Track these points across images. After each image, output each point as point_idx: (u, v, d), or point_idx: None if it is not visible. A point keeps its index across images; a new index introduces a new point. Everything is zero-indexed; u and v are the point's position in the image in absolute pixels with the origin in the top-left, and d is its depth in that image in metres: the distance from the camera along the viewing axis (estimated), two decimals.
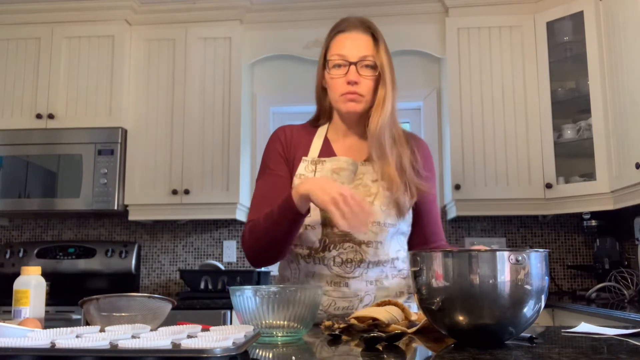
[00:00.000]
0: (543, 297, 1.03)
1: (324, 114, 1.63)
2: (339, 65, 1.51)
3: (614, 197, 2.92)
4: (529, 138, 3.26)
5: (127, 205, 3.41)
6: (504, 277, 0.98)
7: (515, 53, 3.34)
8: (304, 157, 1.56)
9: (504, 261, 0.99)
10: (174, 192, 3.36)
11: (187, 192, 3.36)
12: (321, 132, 1.62)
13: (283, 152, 1.58)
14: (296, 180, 1.52)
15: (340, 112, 1.56)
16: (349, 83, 1.49)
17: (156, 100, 3.49)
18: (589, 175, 3.13)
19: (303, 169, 1.54)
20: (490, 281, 0.98)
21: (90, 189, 3.33)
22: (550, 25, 3.29)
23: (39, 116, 3.44)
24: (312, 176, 1.51)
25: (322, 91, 1.60)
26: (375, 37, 1.56)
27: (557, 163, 3.20)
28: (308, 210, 1.39)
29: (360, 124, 1.57)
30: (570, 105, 3.30)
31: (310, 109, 4.39)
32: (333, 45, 1.55)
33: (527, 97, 3.29)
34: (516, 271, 0.98)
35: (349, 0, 3.50)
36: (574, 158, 3.32)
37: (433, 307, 1.05)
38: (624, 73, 2.72)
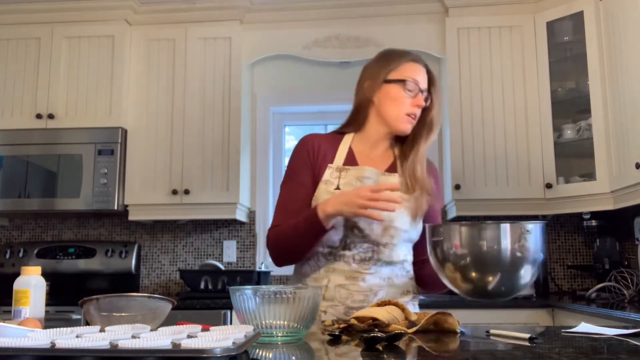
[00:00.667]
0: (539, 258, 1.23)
1: (355, 122, 1.72)
2: (410, 89, 1.64)
3: (614, 197, 2.92)
4: (529, 138, 3.26)
5: (127, 205, 3.41)
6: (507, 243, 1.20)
7: (515, 53, 3.33)
8: (329, 164, 1.66)
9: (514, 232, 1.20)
10: (174, 192, 3.36)
11: (187, 192, 3.36)
12: (346, 140, 1.71)
13: (310, 160, 1.67)
14: (322, 186, 1.63)
15: (393, 127, 1.67)
16: (416, 106, 1.65)
17: (156, 100, 3.49)
18: (589, 175, 3.13)
19: (328, 175, 1.64)
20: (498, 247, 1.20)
21: (90, 189, 3.33)
22: (550, 25, 3.29)
23: (39, 116, 3.44)
24: (336, 182, 1.62)
25: (367, 102, 1.68)
26: (431, 76, 1.72)
27: (557, 163, 3.19)
28: (332, 226, 1.54)
29: (388, 138, 1.72)
30: (570, 105, 3.30)
31: (311, 108, 4.38)
32: (404, 70, 1.66)
33: (527, 97, 3.29)
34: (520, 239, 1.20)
35: (349, 0, 3.50)
36: (574, 158, 3.32)
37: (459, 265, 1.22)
38: (624, 73, 2.72)
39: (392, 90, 1.65)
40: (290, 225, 1.57)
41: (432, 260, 1.31)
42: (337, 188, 1.61)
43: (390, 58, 1.70)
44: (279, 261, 1.66)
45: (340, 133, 1.75)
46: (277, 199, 1.70)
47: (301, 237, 1.55)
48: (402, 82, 1.64)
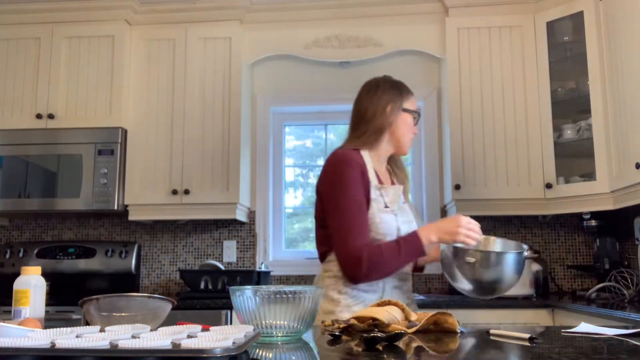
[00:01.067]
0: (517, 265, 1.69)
1: (370, 141, 1.88)
2: (414, 118, 1.94)
3: (614, 197, 2.92)
4: (529, 138, 3.26)
5: (127, 205, 3.41)
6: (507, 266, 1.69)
7: (515, 53, 3.34)
8: (371, 183, 1.81)
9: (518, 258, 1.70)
10: (174, 192, 3.36)
11: (187, 192, 3.36)
12: (366, 158, 1.86)
13: (362, 178, 1.78)
14: (374, 205, 1.77)
15: (402, 149, 1.93)
16: (415, 134, 1.96)
17: (156, 100, 3.49)
18: (589, 175, 3.13)
19: (374, 193, 1.79)
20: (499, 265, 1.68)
21: (90, 189, 3.33)
22: (550, 25, 3.29)
23: (39, 116, 3.44)
24: (382, 200, 1.79)
25: (389, 125, 1.88)
26: None
27: (557, 163, 3.19)
28: None
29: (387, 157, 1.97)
30: (570, 105, 3.30)
31: (311, 108, 4.38)
32: (413, 102, 1.95)
33: (527, 97, 3.29)
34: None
35: (349, 0, 3.50)
36: (574, 158, 3.32)
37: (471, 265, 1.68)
38: (624, 73, 2.72)
39: (408, 118, 1.91)
40: (388, 247, 1.71)
41: (454, 270, 1.70)
42: (386, 206, 1.79)
43: (402, 89, 1.93)
44: (372, 278, 1.73)
45: (354, 149, 1.86)
46: (343, 214, 1.73)
47: (402, 259, 1.71)
48: (417, 113, 1.93)
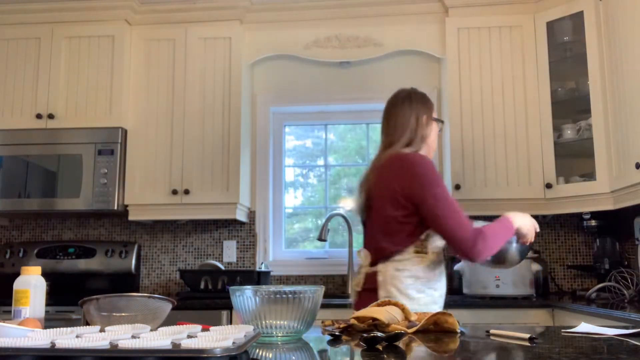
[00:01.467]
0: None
1: (416, 148, 2.04)
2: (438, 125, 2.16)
3: (614, 197, 2.92)
4: (529, 138, 3.26)
5: (127, 205, 3.41)
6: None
7: (515, 53, 3.34)
8: None
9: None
10: (174, 192, 3.37)
11: (187, 192, 3.36)
12: None
13: None
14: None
15: (431, 155, 2.12)
16: None
17: (156, 100, 3.49)
18: (589, 175, 3.13)
19: None
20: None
21: (90, 189, 3.33)
22: (550, 25, 3.29)
23: (39, 116, 3.44)
24: None
25: (430, 133, 2.09)
26: None
27: (557, 163, 3.20)
28: None
29: None
30: (570, 105, 3.30)
31: (311, 108, 4.38)
32: (434, 112, 2.14)
33: (527, 97, 3.29)
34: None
35: (348, 0, 3.50)
36: (574, 158, 3.32)
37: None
38: (624, 73, 2.72)
39: (437, 127, 2.12)
40: (497, 229, 1.91)
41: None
42: None
43: (429, 100, 2.12)
44: (485, 257, 1.91)
45: None
46: (452, 207, 1.88)
47: (503, 239, 1.93)
48: (442, 121, 2.15)
